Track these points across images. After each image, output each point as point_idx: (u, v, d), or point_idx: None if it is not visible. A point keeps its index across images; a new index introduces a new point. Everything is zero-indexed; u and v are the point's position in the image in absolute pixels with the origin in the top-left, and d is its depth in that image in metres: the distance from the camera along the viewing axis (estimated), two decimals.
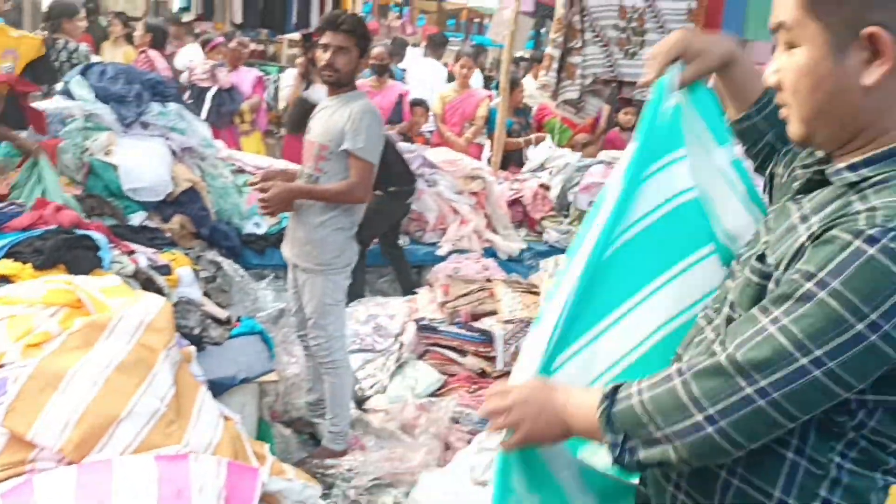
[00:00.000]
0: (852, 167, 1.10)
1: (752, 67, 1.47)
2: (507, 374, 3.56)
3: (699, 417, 1.09)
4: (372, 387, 3.87)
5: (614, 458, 1.19)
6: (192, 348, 2.49)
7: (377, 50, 6.12)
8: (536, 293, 3.86)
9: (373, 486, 3.21)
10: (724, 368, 1.07)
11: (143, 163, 4.31)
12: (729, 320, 1.21)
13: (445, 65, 8.70)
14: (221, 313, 3.44)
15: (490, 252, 5.58)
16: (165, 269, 3.48)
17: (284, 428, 3.56)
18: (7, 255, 2.70)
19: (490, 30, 9.89)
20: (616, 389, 1.21)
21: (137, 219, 4.21)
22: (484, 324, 3.72)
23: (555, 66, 4.11)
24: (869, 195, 1.05)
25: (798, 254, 1.08)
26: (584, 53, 4.25)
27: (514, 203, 6.22)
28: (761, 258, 1.17)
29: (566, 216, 6.04)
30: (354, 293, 4.83)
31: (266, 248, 5.14)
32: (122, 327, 2.22)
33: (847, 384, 1.02)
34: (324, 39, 3.25)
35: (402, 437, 3.54)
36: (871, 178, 1.07)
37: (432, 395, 3.71)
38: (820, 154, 1.22)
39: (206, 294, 3.71)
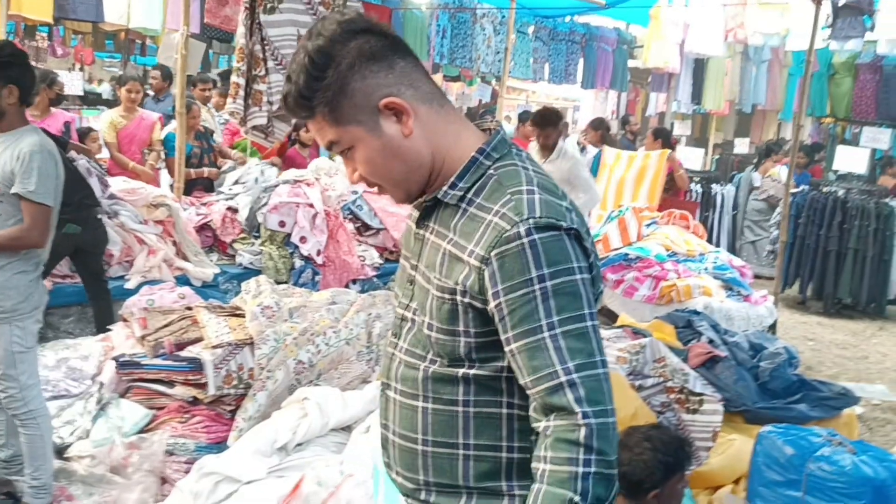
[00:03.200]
0: (452, 186, 1.42)
1: None
2: (220, 398, 3.60)
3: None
4: (72, 433, 3.65)
5: None
6: None
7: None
8: (241, 315, 3.90)
9: None
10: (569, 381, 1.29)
11: None
12: (429, 336, 1.42)
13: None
14: None
15: (183, 280, 5.48)
16: None
17: None
18: None
19: (159, 53, 9.57)
20: None
21: None
22: (191, 352, 3.68)
23: (241, 93, 4.19)
24: (483, 203, 1.37)
25: (480, 275, 1.33)
26: (268, 81, 4.38)
27: (203, 228, 6.15)
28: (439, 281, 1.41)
29: (257, 237, 6.10)
30: (104, 323, 4.53)
31: None
32: None
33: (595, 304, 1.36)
34: None
35: (112, 480, 3.40)
36: (468, 188, 1.40)
37: (141, 431, 3.60)
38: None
39: None
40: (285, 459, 3.01)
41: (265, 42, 4.14)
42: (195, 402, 3.60)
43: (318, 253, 5.97)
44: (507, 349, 1.33)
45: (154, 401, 3.70)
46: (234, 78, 4.21)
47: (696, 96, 12.83)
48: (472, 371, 1.39)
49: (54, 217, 3.13)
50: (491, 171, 1.40)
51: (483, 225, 1.34)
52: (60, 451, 3.56)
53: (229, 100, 4.18)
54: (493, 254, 1.31)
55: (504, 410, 1.40)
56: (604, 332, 4.31)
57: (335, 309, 4.03)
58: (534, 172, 1.41)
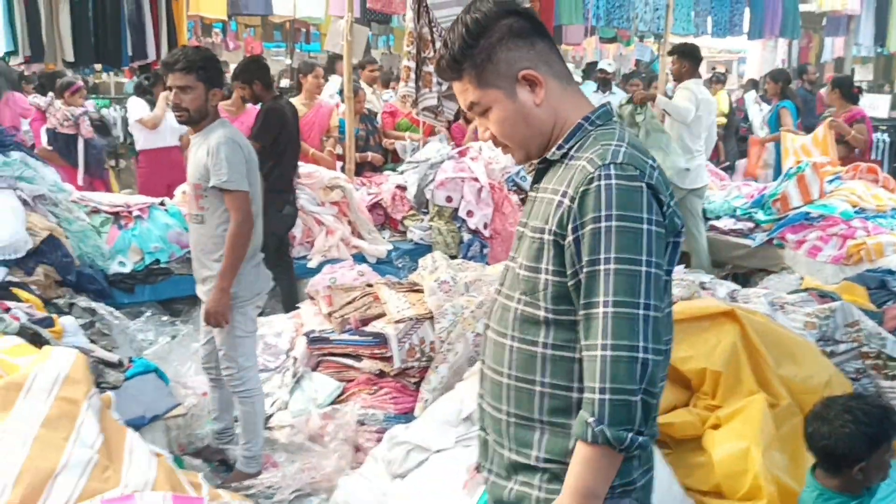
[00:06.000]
0: (559, 147, 1.62)
1: None
2: (405, 370, 3.76)
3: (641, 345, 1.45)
4: (273, 404, 3.94)
5: (631, 449, 1.45)
6: (111, 394, 2.52)
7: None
8: (419, 291, 4.05)
9: (294, 499, 3.32)
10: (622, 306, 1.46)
11: None
12: (518, 275, 1.61)
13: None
14: (112, 357, 3.41)
15: (359, 257, 5.74)
16: (48, 321, 3.42)
17: (193, 459, 3.59)
18: None
19: (326, 40, 9.96)
20: (586, 424, 1.45)
21: None
22: (375, 327, 3.87)
23: (412, 76, 4.32)
24: (579, 154, 1.57)
25: (566, 212, 1.51)
26: None
27: (375, 206, 6.39)
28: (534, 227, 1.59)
29: (426, 213, 6.27)
30: (290, 302, 4.92)
31: (135, 285, 5.06)
32: (39, 384, 2.24)
33: (662, 266, 1.51)
34: (169, 81, 3.30)
35: (311, 448, 3.64)
36: (572, 146, 1.60)
37: (334, 402, 3.83)
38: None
39: (90, 340, 3.66)
40: (472, 429, 3.10)
41: (433, 24, 4.23)
42: (382, 374, 3.78)
43: (485, 226, 6.08)
44: (580, 277, 1.49)
45: (344, 373, 3.92)
46: (405, 62, 4.34)
47: (880, 37, 11.82)
48: (552, 315, 1.55)
49: (254, 200, 3.34)
50: (591, 133, 1.60)
51: (575, 170, 1.54)
52: (264, 421, 3.86)
53: (401, 83, 4.33)
54: (577, 192, 1.50)
55: (577, 354, 1.54)
56: (788, 297, 4.12)
57: None
58: (629, 136, 1.59)
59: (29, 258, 4.28)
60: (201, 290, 3.41)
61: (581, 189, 1.49)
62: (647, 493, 1.65)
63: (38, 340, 3.08)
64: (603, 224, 1.46)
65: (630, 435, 1.43)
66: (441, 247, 5.83)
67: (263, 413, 3.58)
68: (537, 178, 1.69)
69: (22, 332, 3.06)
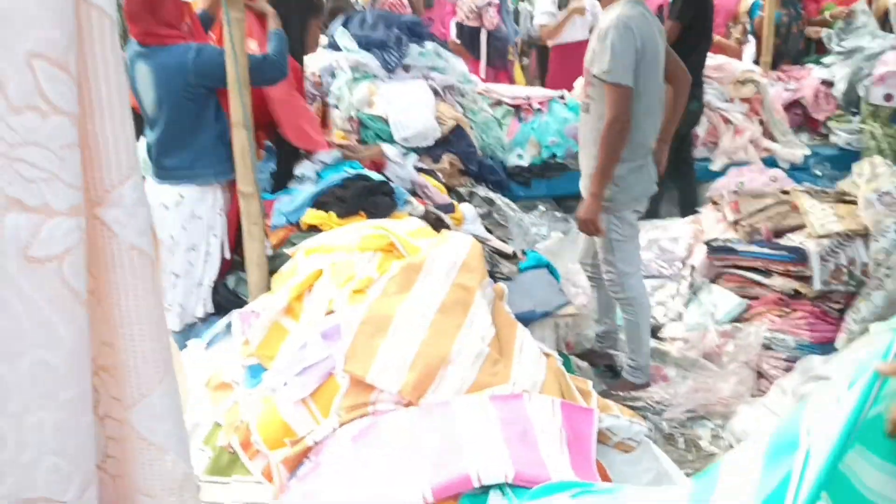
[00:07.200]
0: None
1: None
2: (826, 294, 3.21)
3: None
4: (665, 314, 3.66)
5: None
6: (503, 285, 2.43)
7: None
8: (851, 202, 3.40)
9: (686, 419, 3.04)
10: None
11: (410, 111, 4.32)
12: None
13: None
14: (507, 248, 3.38)
15: (769, 162, 5.11)
16: (449, 207, 3.48)
17: (580, 360, 3.47)
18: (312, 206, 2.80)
19: None
20: None
21: (410, 161, 4.25)
22: (791, 240, 3.34)
23: None
24: None
25: None
26: None
27: (792, 105, 5.64)
28: None
29: (855, 114, 5.36)
30: (689, 205, 4.66)
31: (531, 179, 5.06)
32: (437, 268, 2.20)
33: None
34: None
35: (706, 366, 3.31)
36: None
37: (735, 320, 3.43)
38: None
39: (487, 230, 3.69)
40: None
41: None
42: (796, 295, 3.28)
43: None
44: None
45: (748, 290, 3.49)
46: None
47: None
48: None
49: (641, 97, 2.96)
50: None
51: None
52: (654, 331, 3.60)
53: None
54: None
55: None
56: None
57: None
58: None
59: (437, 146, 4.42)
60: (583, 185, 3.14)
61: None
62: None
63: (439, 225, 3.14)
64: None
65: None
66: (873, 153, 4.93)
67: (649, 322, 3.29)
68: None
69: (426, 216, 3.14)
